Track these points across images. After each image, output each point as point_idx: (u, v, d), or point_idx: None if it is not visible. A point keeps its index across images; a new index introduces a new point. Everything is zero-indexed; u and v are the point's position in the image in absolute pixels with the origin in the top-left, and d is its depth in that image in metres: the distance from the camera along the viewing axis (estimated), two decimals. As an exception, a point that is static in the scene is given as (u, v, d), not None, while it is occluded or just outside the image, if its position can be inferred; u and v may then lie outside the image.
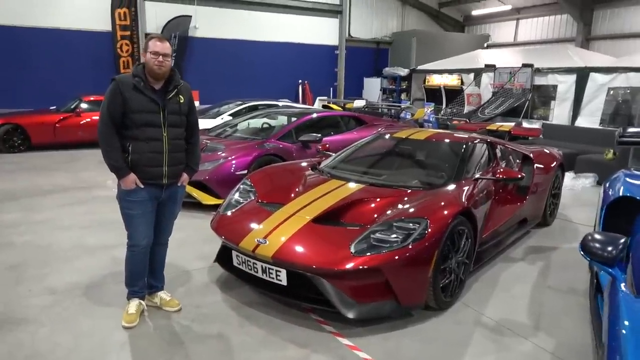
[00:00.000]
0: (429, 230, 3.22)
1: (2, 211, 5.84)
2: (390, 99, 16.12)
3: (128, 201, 3.18)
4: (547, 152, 5.79)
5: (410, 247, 3.13)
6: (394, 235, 3.21)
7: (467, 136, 4.96)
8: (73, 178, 7.83)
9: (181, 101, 3.23)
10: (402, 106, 11.36)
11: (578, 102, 10.80)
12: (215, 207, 5.99)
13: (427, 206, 3.48)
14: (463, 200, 3.69)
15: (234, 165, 5.98)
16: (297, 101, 14.97)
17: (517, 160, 5.46)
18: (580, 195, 7.50)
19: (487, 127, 6.91)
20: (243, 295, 3.73)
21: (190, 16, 13.76)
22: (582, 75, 10.63)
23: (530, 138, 7.05)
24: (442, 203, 3.55)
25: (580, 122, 10.70)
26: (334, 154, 5.27)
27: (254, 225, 3.55)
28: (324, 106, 9.95)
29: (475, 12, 17.21)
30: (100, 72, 13.02)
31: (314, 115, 7.42)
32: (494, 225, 4.40)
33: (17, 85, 12.27)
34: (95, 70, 13.00)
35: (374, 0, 17.26)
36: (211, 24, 14.26)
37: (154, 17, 13.45)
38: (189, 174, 3.41)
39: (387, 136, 5.10)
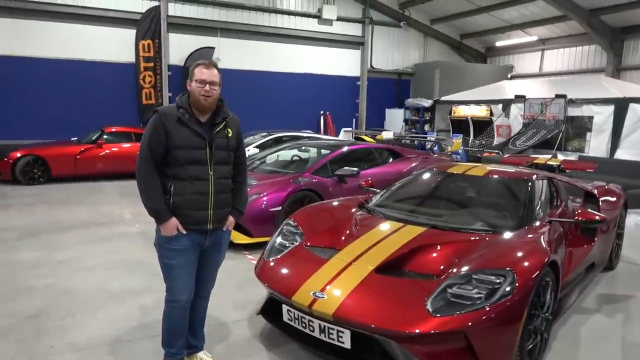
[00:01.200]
0: (517, 284, 2.75)
1: (22, 249, 5.48)
2: (414, 130, 15.77)
3: (168, 249, 2.76)
4: (610, 188, 5.30)
5: (497, 305, 2.66)
6: (475, 290, 2.75)
7: (529, 172, 4.52)
8: (94, 212, 7.49)
9: (229, 135, 2.83)
10: (433, 138, 10.98)
11: (617, 134, 10.34)
12: (246, 247, 5.62)
13: (509, 255, 3.02)
14: (545, 246, 3.22)
15: (268, 202, 5.58)
16: (318, 132, 14.69)
17: (579, 199, 5.00)
18: (633, 233, 6.94)
19: (535, 161, 6.44)
20: (292, 354, 3.26)
21: (214, 48, 13.69)
22: (621, 105, 10.21)
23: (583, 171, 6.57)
24: (526, 251, 3.09)
25: (620, 154, 10.21)
26: (379, 191, 4.86)
27: (307, 275, 3.11)
28: (356, 138, 9.58)
29: (499, 44, 16.97)
30: (122, 103, 12.94)
31: (349, 147, 7.04)
32: (567, 272, 3.90)
33: (38, 116, 12.17)
34: (118, 101, 12.88)
35: (395, 32, 17.13)
36: (234, 56, 14.18)
37: (178, 49, 13.39)
38: (236, 217, 2.99)
39: (440, 172, 4.66)
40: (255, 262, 5.18)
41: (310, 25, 15.30)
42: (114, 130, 11.03)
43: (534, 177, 4.28)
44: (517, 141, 11.93)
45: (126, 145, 10.89)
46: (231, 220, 2.96)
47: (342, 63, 16.20)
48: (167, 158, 2.70)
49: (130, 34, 12.79)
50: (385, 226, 3.64)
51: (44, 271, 4.78)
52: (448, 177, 4.56)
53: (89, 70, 12.55)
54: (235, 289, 4.46)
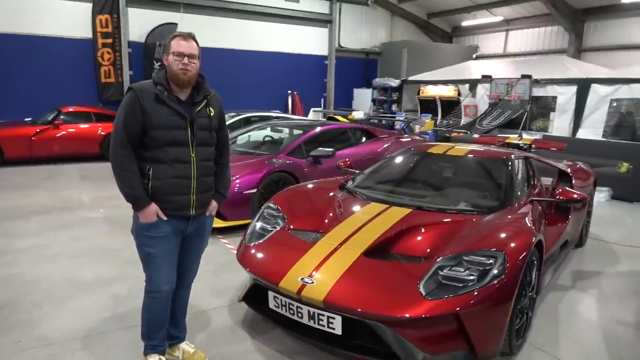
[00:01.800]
0: (507, 265, 2.74)
1: (-23, 238, 5.12)
2: (381, 110, 15.75)
3: (147, 237, 2.57)
4: (581, 167, 5.42)
5: (490, 286, 2.64)
6: (467, 272, 2.71)
7: (507, 151, 4.53)
8: (54, 197, 7.09)
9: (211, 114, 2.64)
10: (402, 117, 10.95)
11: (579, 114, 10.62)
12: (220, 231, 5.45)
13: (498, 236, 3.01)
14: (531, 226, 3.22)
15: (242, 184, 5.41)
16: (286, 112, 14.44)
17: (554, 178, 5.08)
18: (596, 211, 7.18)
19: (507, 141, 6.50)
20: (277, 341, 3.17)
21: (176, 24, 13.09)
22: (583, 86, 10.46)
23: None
24: (514, 232, 3.08)
25: (582, 134, 10.50)
26: (357, 171, 4.77)
27: (293, 260, 3.00)
28: (329, 118, 9.44)
29: (465, 23, 17.09)
30: (79, 81, 12.25)
31: (323, 127, 6.90)
32: (547, 251, 3.95)
33: (-12, 95, 11.38)
34: (75, 79, 12.18)
35: (363, 10, 16.92)
36: (197, 33, 13.10)
37: (138, 25, 12.72)
38: (218, 202, 2.82)
39: (420, 152, 4.61)
40: (230, 246, 5.07)
41: (276, 1, 14.87)
42: (71, 110, 10.48)
43: (512, 156, 4.29)
44: (483, 121, 12.08)
45: (85, 125, 10.38)
46: (214, 204, 2.79)
47: (310, 41, 15.90)
48: (144, 139, 2.49)
49: (86, 7, 12.05)
50: (369, 208, 3.56)
51: (4, 261, 4.47)
52: (429, 157, 4.52)
53: (42, 45, 11.76)
54: (212, 274, 4.31)
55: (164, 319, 2.75)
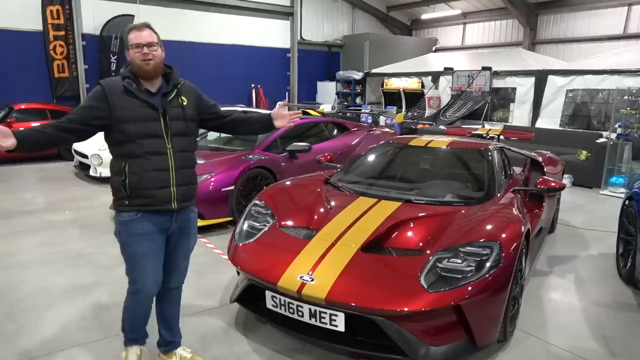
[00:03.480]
0: (503, 254, 2.80)
1: None
2: (345, 103, 15.81)
3: (129, 234, 2.47)
4: (551, 156, 5.62)
5: (488, 277, 2.68)
6: (465, 263, 2.75)
7: (485, 142, 4.63)
8: (14, 200, 6.70)
9: (184, 104, 2.55)
10: (367, 110, 11.03)
11: (537, 104, 11.02)
12: (200, 230, 5.28)
13: (491, 226, 3.06)
14: (520, 215, 3.31)
15: (220, 181, 5.28)
16: (250, 106, 14.23)
17: (525, 167, 5.25)
18: (562, 198, 7.50)
19: (476, 132, 6.66)
20: (274, 341, 3.12)
21: (133, 15, 12.58)
22: (540, 77, 10.86)
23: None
24: (506, 222, 3.15)
25: (540, 123, 10.92)
26: (339, 166, 4.76)
27: (289, 259, 2.95)
28: (302, 112, 9.35)
29: (424, 16, 17.37)
30: (30, 76, 11.57)
31: (298, 122, 6.80)
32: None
33: None
34: (25, 74, 11.48)
35: (324, 3, 16.87)
36: (155, 25, 12.79)
37: (92, 16, 12.13)
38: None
39: (402, 144, 4.64)
40: (210, 245, 4.95)
41: (237, -7, 14.59)
42: (23, 107, 9.90)
43: (491, 147, 4.40)
44: (446, 112, 12.35)
45: (40, 123, 9.81)
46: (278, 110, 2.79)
47: (272, 34, 15.70)
48: (115, 135, 2.41)
49: (35, -3, 11.40)
50: (359, 203, 3.54)
51: (-33, 271, 4.18)
52: (411, 150, 4.56)
53: (-13, 38, 11.05)
54: (196, 275, 4.17)
55: (146, 316, 2.66)
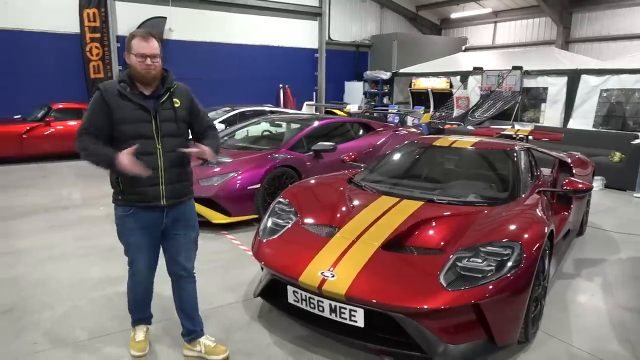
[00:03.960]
0: (524, 255, 2.79)
1: (-23, 239, 5.04)
2: (373, 103, 15.79)
3: (125, 228, 2.74)
4: (580, 157, 5.51)
5: (509, 276, 2.69)
6: (485, 263, 2.76)
7: (512, 143, 4.59)
8: (51, 196, 7.00)
9: (177, 105, 2.70)
10: (394, 110, 11.01)
11: (570, 104, 10.77)
12: (225, 227, 5.44)
13: (513, 227, 3.05)
14: (543, 216, 3.28)
15: (246, 180, 5.40)
16: (278, 106, 14.39)
17: (553, 168, 5.16)
18: (592, 200, 7.31)
19: (504, 132, 6.58)
20: (295, 335, 3.19)
21: (165, 18, 12.95)
22: (573, 77, 10.61)
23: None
24: (528, 222, 3.13)
25: (573, 124, 10.66)
26: (363, 165, 4.80)
27: (311, 255, 3.01)
28: (327, 112, 9.43)
29: (454, 15, 17.18)
30: (68, 77, 12.03)
31: (323, 121, 6.90)
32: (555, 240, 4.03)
33: (-27, 92, 11.13)
34: (63, 75, 11.96)
35: (352, 3, 16.90)
36: (187, 26, 13.49)
37: (126, 18, 12.51)
38: (210, 146, 2.75)
39: (426, 145, 4.65)
40: (236, 242, 5.07)
41: (266, -6, 14.80)
42: (61, 106, 10.29)
43: (517, 148, 4.35)
44: (475, 112, 12.20)
45: (77, 122, 10.21)
46: (206, 148, 2.71)
47: (300, 35, 15.83)
48: (114, 134, 2.59)
49: (73, 1, 11.82)
50: (381, 202, 3.58)
51: (7, 262, 4.42)
52: (435, 150, 4.56)
53: (28, 41, 11.52)
54: (222, 271, 4.31)
55: (148, 297, 2.99)
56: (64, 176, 8.47)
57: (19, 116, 10.26)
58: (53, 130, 9.83)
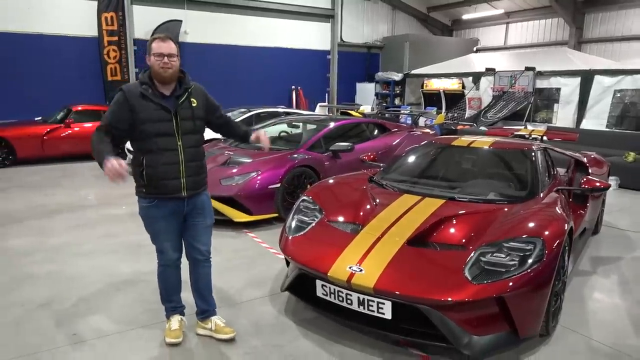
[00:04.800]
0: (546, 250, 2.89)
1: (9, 236, 5.23)
2: (384, 104, 15.88)
3: (149, 217, 2.96)
4: (596, 157, 5.58)
5: (531, 271, 2.79)
6: (508, 258, 2.86)
7: (529, 143, 4.68)
8: (74, 195, 7.20)
9: (194, 105, 2.93)
10: (407, 111, 11.11)
11: (583, 105, 10.80)
12: (246, 225, 5.58)
13: (535, 223, 3.15)
14: (563, 214, 3.38)
15: (267, 179, 5.53)
16: (290, 107, 14.54)
17: (569, 167, 5.24)
18: (607, 200, 7.35)
19: (518, 132, 6.66)
20: (323, 328, 3.31)
21: (181, 21, 13.17)
22: (586, 77, 10.64)
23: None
24: (549, 219, 3.23)
25: (586, 124, 10.70)
26: (382, 165, 4.92)
27: (339, 250, 3.13)
28: (342, 112, 9.56)
29: (465, 17, 17.23)
30: (86, 79, 12.30)
31: (340, 122, 7.03)
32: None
33: (-5, 95, 11.40)
34: (81, 78, 12.23)
35: (364, 4, 17.02)
36: (201, 29, 13.70)
37: (143, 22, 12.75)
38: (251, 134, 3.30)
39: (445, 144, 4.75)
40: (258, 240, 5.21)
41: (279, -3, 14.96)
42: (80, 108, 10.50)
43: (534, 147, 4.44)
44: (488, 113, 12.25)
45: (95, 124, 10.40)
46: (260, 132, 3.25)
47: (312, 36, 15.98)
48: (136, 133, 2.79)
49: (91, 5, 12.08)
50: (404, 200, 3.69)
51: (40, 258, 4.59)
52: (454, 150, 4.66)
53: (48, 44, 11.80)
54: (246, 267, 4.44)
55: (177, 284, 3.17)
56: (84, 177, 8.68)
57: (39, 118, 10.51)
58: (72, 131, 10.04)
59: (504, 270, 2.80)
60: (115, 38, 12.42)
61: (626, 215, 6.41)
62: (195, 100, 2.93)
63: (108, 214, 6.18)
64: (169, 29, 13.00)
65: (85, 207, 6.54)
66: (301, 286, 3.37)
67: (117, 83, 12.63)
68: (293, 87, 15.60)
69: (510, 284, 2.72)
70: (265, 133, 3.31)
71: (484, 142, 4.59)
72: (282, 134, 7.34)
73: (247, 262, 4.57)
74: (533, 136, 6.58)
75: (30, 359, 2.93)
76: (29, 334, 3.20)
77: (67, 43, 12.01)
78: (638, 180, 7.94)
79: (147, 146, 2.80)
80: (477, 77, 13.01)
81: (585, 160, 5.17)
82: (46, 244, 4.97)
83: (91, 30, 12.20)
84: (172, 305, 3.19)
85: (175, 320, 3.16)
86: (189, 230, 3.05)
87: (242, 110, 9.75)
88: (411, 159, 4.72)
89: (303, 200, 3.90)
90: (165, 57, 2.75)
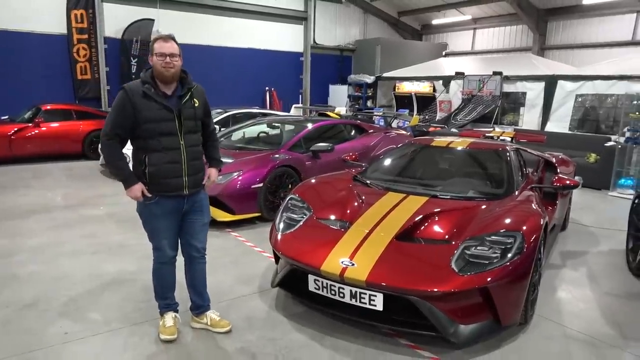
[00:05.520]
0: (525, 244, 3.09)
1: (-15, 238, 5.10)
2: (357, 106, 16.10)
3: (150, 215, 2.99)
4: (563, 157, 5.90)
5: (513, 262, 2.98)
6: (491, 250, 3.05)
7: (502, 143, 4.92)
8: (49, 196, 7.04)
9: (196, 105, 2.99)
10: (380, 113, 11.35)
11: (547, 108, 11.28)
12: (229, 225, 5.61)
13: (514, 218, 3.36)
14: (539, 210, 3.60)
15: (250, 179, 5.59)
16: (265, 108, 14.56)
17: (538, 167, 5.52)
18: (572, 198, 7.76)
19: (489, 134, 6.94)
20: (314, 322, 3.41)
21: (153, 20, 12.98)
22: (550, 82, 11.11)
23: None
24: (527, 214, 3.44)
25: (550, 127, 11.16)
26: (364, 164, 5.06)
27: (330, 246, 3.25)
28: (319, 114, 9.69)
29: (435, 22, 17.69)
30: (54, 78, 11.99)
31: (320, 123, 7.15)
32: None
33: (-43, 92, 10.97)
34: (49, 76, 11.90)
35: (337, 8, 17.23)
36: (174, 28, 13.47)
37: (114, 20, 12.53)
38: (217, 167, 3.26)
39: (425, 145, 4.94)
40: (241, 239, 5.27)
41: (252, -2, 14.97)
42: (49, 107, 10.24)
43: (508, 148, 4.69)
44: (457, 116, 12.62)
45: (66, 123, 10.17)
46: (213, 171, 3.19)
47: (286, 38, 16.06)
48: (138, 132, 2.84)
49: (60, 2, 11.79)
50: (389, 198, 3.84)
51: (22, 259, 4.51)
52: (434, 150, 4.86)
53: (14, 41, 11.43)
54: (233, 266, 4.49)
55: (172, 281, 3.20)
56: (56, 177, 8.48)
57: (6, 117, 10.19)
58: (41, 131, 9.77)
59: (487, 262, 2.98)
60: (85, 36, 12.16)
61: (590, 213, 6.79)
62: (197, 101, 2.99)
63: (86, 215, 6.09)
64: (141, 28, 12.85)
65: (61, 207, 6.42)
66: (292, 281, 3.47)
67: (87, 82, 12.39)
68: (267, 88, 15.64)
69: (494, 274, 2.90)
70: (216, 175, 3.24)
71: (461, 142, 4.81)
72: (262, 134, 7.40)
73: (232, 261, 4.62)
74: (502, 138, 6.89)
75: (23, 357, 2.91)
76: (19, 334, 3.18)
77: (35, 40, 11.67)
78: (599, 180, 8.39)
79: (150, 145, 2.84)
80: (447, 80, 13.38)
81: (553, 160, 5.46)
82: (26, 245, 4.88)
83: (60, 28, 11.90)
84: (167, 303, 3.23)
85: (170, 317, 3.19)
86: (186, 228, 3.10)
87: (219, 110, 9.72)
88: (393, 158, 4.89)
89: (291, 199, 4.00)
90: (168, 57, 2.78)
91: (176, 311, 3.28)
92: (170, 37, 2.88)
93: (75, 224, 5.65)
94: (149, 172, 2.87)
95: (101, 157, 8.85)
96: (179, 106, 2.89)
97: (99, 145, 2.96)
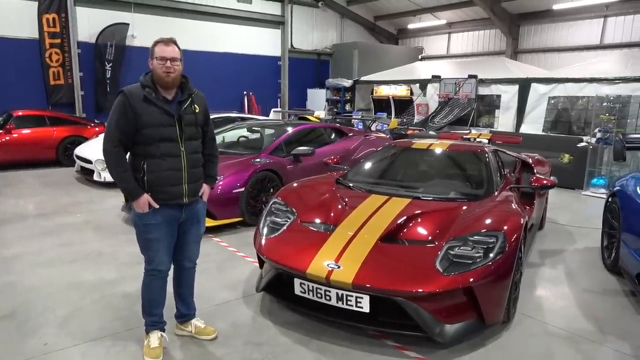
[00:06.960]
0: (507, 243, 3.15)
1: (-44, 248, 4.92)
2: (335, 110, 16.17)
3: (145, 225, 2.84)
4: (539, 158, 6.04)
5: (495, 262, 3.03)
6: (474, 250, 3.10)
7: (481, 145, 5.01)
8: (23, 205, 6.85)
9: (197, 111, 2.91)
10: (358, 116, 11.43)
11: (521, 111, 11.53)
12: (211, 230, 5.54)
13: (495, 218, 3.42)
14: (519, 210, 3.67)
15: (231, 183, 5.55)
16: (242, 112, 14.49)
17: (515, 168, 5.64)
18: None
19: (466, 136, 7.06)
20: (300, 326, 3.40)
21: (128, 24, 12.81)
22: (524, 85, 11.37)
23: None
24: (508, 214, 3.51)
25: (524, 129, 11.42)
26: (346, 167, 5.08)
27: (315, 249, 3.25)
28: (300, 117, 9.69)
29: (411, 26, 17.92)
30: (26, 83, 11.69)
31: (300, 127, 7.15)
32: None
33: None
34: (21, 81, 11.59)
35: (314, 12, 17.29)
36: (150, 33, 13.19)
37: (87, 24, 12.31)
38: (210, 185, 3.12)
39: (406, 147, 4.99)
40: (224, 244, 5.22)
41: (229, 2, 14.88)
42: (21, 114, 9.97)
43: (487, 149, 4.78)
44: (435, 119, 12.79)
45: (38, 130, 9.91)
46: (206, 188, 3.07)
47: (263, 43, 16.03)
48: (137, 138, 2.74)
49: (31, 6, 11.51)
50: (372, 200, 3.86)
51: (-5, 269, 4.37)
52: (414, 152, 4.91)
53: (-17, 46, 11.13)
54: (216, 271, 4.45)
55: (162, 297, 3.04)
56: (30, 185, 8.25)
57: (-25, 123, 9.87)
58: (12, 138, 9.50)
59: (470, 262, 3.02)
60: (58, 40, 11.90)
61: (566, 212, 6.96)
62: (197, 107, 2.90)
63: (62, 223, 5.94)
64: (115, 32, 12.66)
65: (36, 215, 6.25)
66: (277, 286, 3.45)
67: (60, 87, 12.12)
68: (245, 92, 15.57)
69: (478, 274, 2.94)
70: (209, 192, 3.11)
71: (441, 144, 4.88)
72: (242, 139, 7.35)
73: (215, 266, 4.58)
74: (479, 140, 7.01)
75: (1, 371, 2.82)
76: (-6, 347, 3.07)
77: (5, 45, 11.36)
78: (573, 180, 8.61)
79: (148, 151, 2.74)
80: (424, 84, 13.56)
81: (530, 161, 5.59)
82: (0, 255, 4.72)
83: (31, 32, 11.62)
84: (153, 320, 3.04)
85: (155, 337, 3.00)
86: (182, 238, 3.00)
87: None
88: (375, 161, 4.92)
89: (274, 203, 3.98)
90: (168, 61, 2.70)
91: (163, 330, 3.07)
92: (172, 41, 2.79)
93: (51, 233, 5.51)
94: (147, 180, 2.76)
95: (76, 164, 8.65)
96: (180, 112, 2.80)
97: (102, 154, 2.75)
